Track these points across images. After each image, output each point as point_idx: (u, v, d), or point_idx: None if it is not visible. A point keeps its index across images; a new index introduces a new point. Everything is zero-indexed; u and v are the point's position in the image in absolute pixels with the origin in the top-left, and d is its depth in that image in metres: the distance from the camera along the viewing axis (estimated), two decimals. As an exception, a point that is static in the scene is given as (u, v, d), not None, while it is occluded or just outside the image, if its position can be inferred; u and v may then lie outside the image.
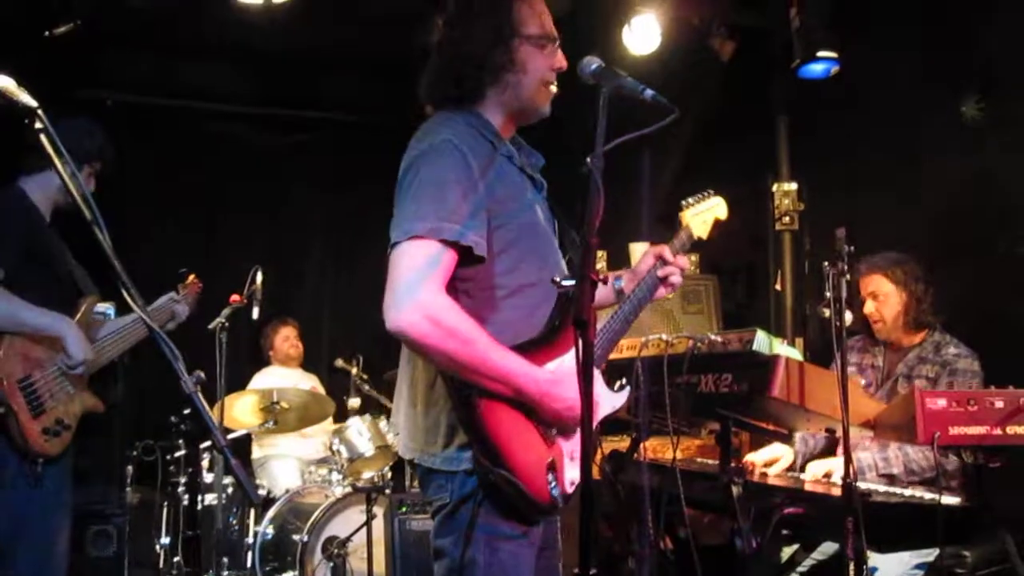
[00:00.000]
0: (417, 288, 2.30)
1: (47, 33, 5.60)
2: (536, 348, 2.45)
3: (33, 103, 2.29)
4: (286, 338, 7.22)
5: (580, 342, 1.88)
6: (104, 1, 5.72)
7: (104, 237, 2.27)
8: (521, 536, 2.45)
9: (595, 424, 2.54)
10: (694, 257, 6.42)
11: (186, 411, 5.67)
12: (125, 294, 2.27)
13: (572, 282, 1.97)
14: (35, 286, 3.54)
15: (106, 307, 3.89)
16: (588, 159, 2.18)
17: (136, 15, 5.93)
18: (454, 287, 2.43)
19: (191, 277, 4.43)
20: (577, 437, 2.46)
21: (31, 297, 3.51)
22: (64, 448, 3.58)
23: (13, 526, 3.42)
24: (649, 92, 2.39)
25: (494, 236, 2.44)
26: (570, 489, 2.47)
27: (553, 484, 2.40)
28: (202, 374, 2.21)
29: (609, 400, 2.68)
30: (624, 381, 2.73)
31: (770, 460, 4.19)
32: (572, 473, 2.48)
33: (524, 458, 2.38)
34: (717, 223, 3.25)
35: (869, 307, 4.24)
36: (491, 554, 2.42)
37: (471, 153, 2.43)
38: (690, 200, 3.23)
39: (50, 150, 2.28)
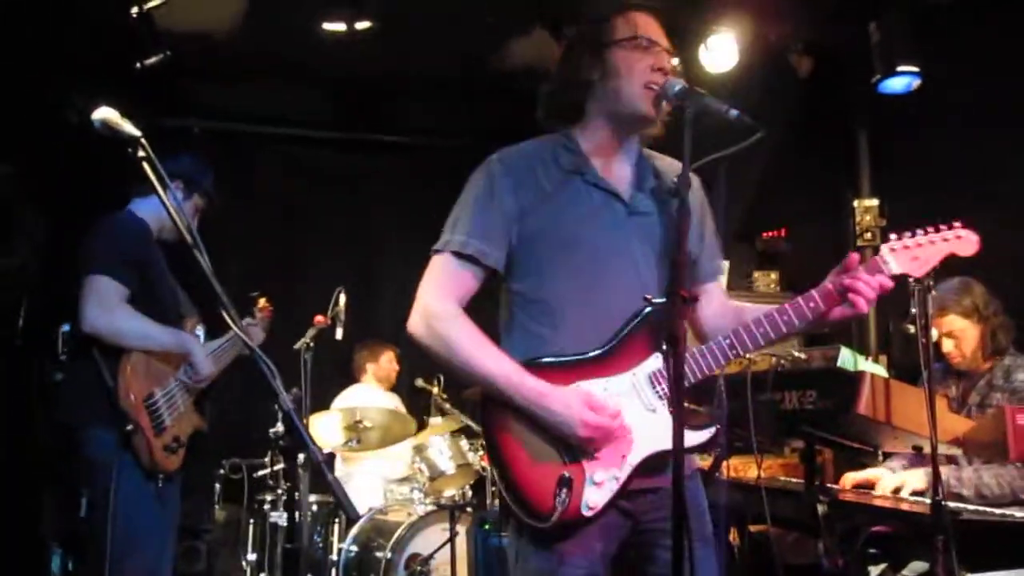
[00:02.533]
0: (424, 296, 2.55)
1: (138, 65, 5.76)
2: (568, 365, 2.47)
3: (137, 132, 2.39)
4: (391, 359, 7.37)
5: (671, 359, 1.89)
6: (191, 32, 5.87)
7: (205, 261, 2.35)
8: (548, 551, 2.42)
9: (640, 457, 2.45)
10: (774, 275, 6.37)
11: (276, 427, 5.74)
12: (226, 316, 2.35)
13: (663, 300, 1.99)
14: (146, 304, 3.67)
15: (200, 330, 4.01)
16: (675, 178, 2.20)
17: (223, 44, 6.08)
18: (510, 299, 2.60)
19: (262, 301, 4.53)
20: (606, 461, 2.42)
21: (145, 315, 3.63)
22: (180, 465, 3.69)
23: (128, 542, 3.45)
24: (734, 112, 2.39)
25: (532, 250, 2.54)
26: (586, 512, 2.40)
27: (562, 500, 2.36)
28: (299, 391, 2.30)
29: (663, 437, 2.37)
30: (713, 419, 2.52)
31: (867, 482, 4.11)
32: (593, 497, 2.40)
33: (525, 465, 2.42)
34: (951, 258, 2.74)
35: (948, 346, 4.15)
36: (523, 565, 2.47)
37: (507, 170, 2.57)
38: (906, 232, 2.64)
39: (153, 178, 2.38)
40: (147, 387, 3.60)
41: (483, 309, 2.62)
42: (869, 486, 4.08)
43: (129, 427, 3.47)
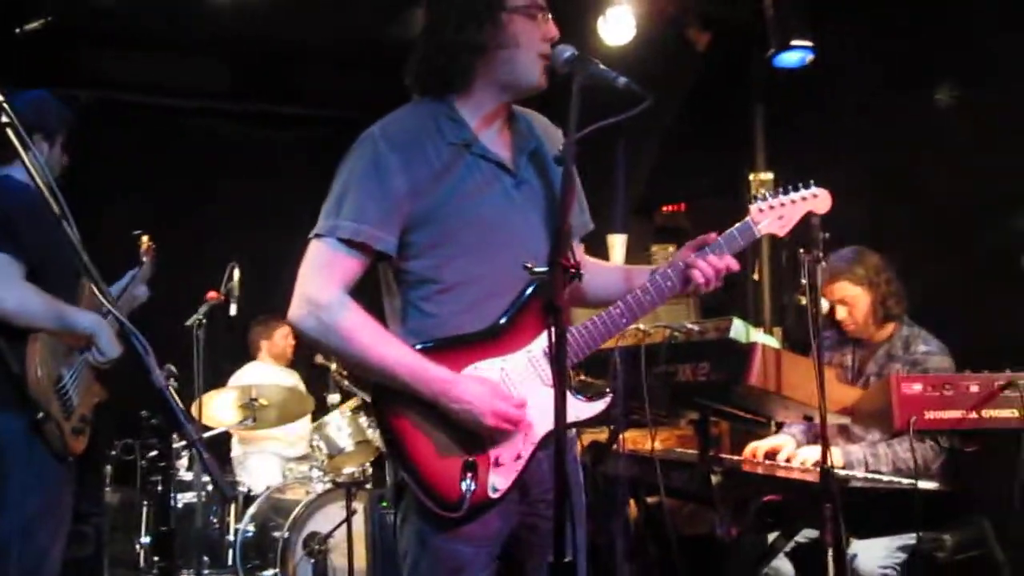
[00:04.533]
0: (307, 285, 2.39)
1: (18, 30, 5.53)
2: (462, 346, 2.40)
3: (-2, 97, 2.25)
4: (285, 335, 7.19)
5: (552, 329, 1.86)
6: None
7: (73, 231, 2.23)
8: (449, 532, 2.38)
9: (540, 434, 2.43)
10: (672, 249, 6.40)
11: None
12: (95, 289, 2.24)
13: (544, 269, 1.95)
14: (44, 274, 3.42)
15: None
16: (560, 147, 2.17)
17: (108, 11, 5.88)
18: (400, 281, 2.47)
19: (145, 239, 4.30)
20: (507, 442, 2.39)
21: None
22: (86, 445, 3.52)
23: (21, 526, 3.30)
24: (622, 80, 2.36)
25: (425, 229, 2.42)
26: (493, 495, 2.38)
27: (468, 486, 2.33)
28: (173, 368, 2.20)
29: (573, 410, 2.37)
30: (607, 388, 2.55)
31: (772, 449, 4.13)
32: (496, 479, 2.38)
33: (429, 457, 2.36)
34: (811, 218, 2.87)
35: (841, 313, 4.17)
36: (420, 548, 2.41)
37: (393, 146, 2.42)
38: (768, 192, 2.79)
39: (17, 144, 2.25)
40: (56, 370, 3.40)
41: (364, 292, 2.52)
42: (775, 453, 4.11)
43: (40, 415, 3.29)
